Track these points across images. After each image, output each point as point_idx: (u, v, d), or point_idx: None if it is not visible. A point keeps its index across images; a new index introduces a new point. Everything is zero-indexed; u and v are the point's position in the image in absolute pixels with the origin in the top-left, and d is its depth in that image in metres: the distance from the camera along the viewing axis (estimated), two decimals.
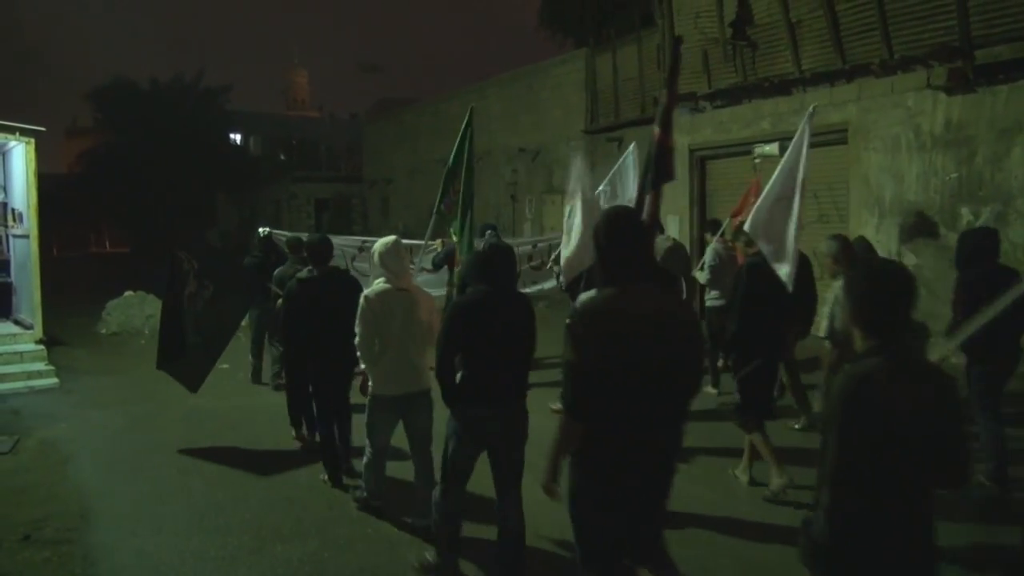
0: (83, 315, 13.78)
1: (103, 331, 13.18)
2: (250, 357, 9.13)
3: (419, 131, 23.46)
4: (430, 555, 4.20)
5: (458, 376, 3.78)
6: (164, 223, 29.71)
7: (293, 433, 6.55)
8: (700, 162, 12.48)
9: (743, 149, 11.56)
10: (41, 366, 9.29)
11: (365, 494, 5.04)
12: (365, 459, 4.93)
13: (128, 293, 14.17)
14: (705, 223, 10.35)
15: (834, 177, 10.22)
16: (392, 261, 4.57)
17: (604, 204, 7.33)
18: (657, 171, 5.24)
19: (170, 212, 30.29)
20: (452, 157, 6.66)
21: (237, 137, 44.21)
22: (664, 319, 2.84)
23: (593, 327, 2.77)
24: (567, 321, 2.84)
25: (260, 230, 9.40)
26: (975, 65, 8.28)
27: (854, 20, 9.58)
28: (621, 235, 2.91)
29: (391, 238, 4.71)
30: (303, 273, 5.59)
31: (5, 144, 10.50)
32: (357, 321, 4.55)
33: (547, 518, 4.36)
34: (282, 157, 45.50)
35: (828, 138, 10.26)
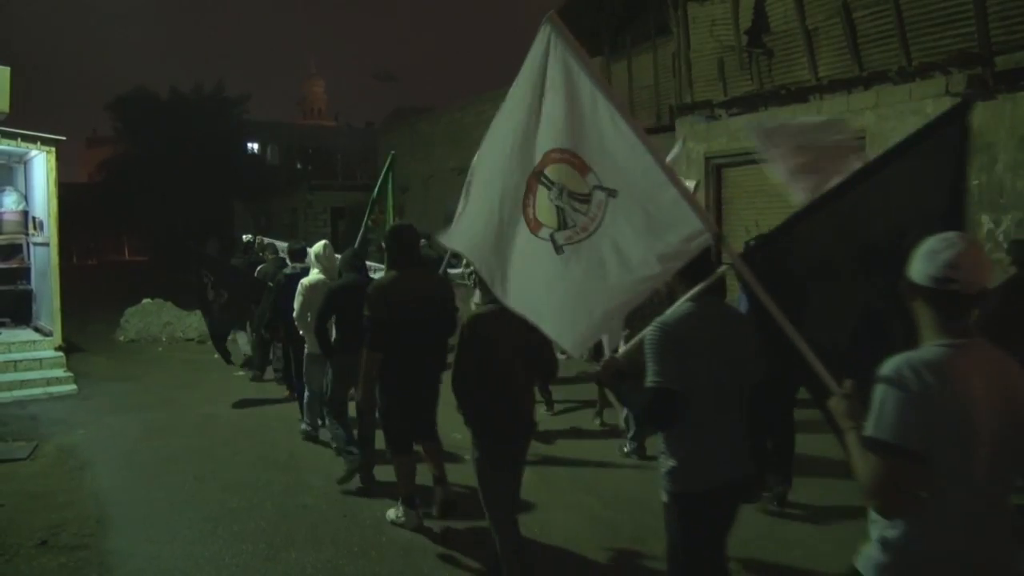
0: (101, 322, 13.93)
1: (121, 338, 13.30)
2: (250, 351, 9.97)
3: (434, 140, 23.54)
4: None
5: (333, 336, 5.58)
6: (182, 232, 29.95)
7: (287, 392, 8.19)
8: (716, 170, 12.42)
9: (759, 157, 11.49)
10: (60, 372, 9.37)
11: (308, 427, 6.81)
12: (305, 400, 6.76)
13: (146, 300, 14.30)
14: None
15: None
16: (324, 260, 6.38)
17: None
18: None
19: (188, 221, 30.55)
20: (376, 189, 8.65)
21: (254, 146, 44.62)
22: (426, 291, 4.67)
23: (382, 295, 4.54)
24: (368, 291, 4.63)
25: (244, 237, 10.70)
26: (995, 71, 8.19)
27: (871, 27, 9.51)
28: (403, 240, 4.72)
29: (324, 242, 6.58)
30: (289, 269, 7.33)
31: (27, 153, 10.63)
32: (296, 300, 6.35)
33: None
34: (299, 166, 45.83)
35: None
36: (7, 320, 10.98)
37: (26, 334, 10.36)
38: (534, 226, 2.99)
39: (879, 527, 2.02)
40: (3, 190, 11.38)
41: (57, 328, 9.87)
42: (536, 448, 5.38)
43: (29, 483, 5.85)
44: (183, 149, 32.17)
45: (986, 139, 8.44)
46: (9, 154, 10.85)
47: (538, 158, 2.94)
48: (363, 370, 4.64)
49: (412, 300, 4.50)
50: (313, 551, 4.59)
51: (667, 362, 2.72)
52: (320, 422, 6.74)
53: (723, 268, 2.90)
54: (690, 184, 10.34)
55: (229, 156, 35.22)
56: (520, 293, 3.07)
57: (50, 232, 10.07)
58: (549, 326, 3.00)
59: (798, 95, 10.68)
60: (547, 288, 2.97)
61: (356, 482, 5.61)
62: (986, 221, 8.44)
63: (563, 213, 2.89)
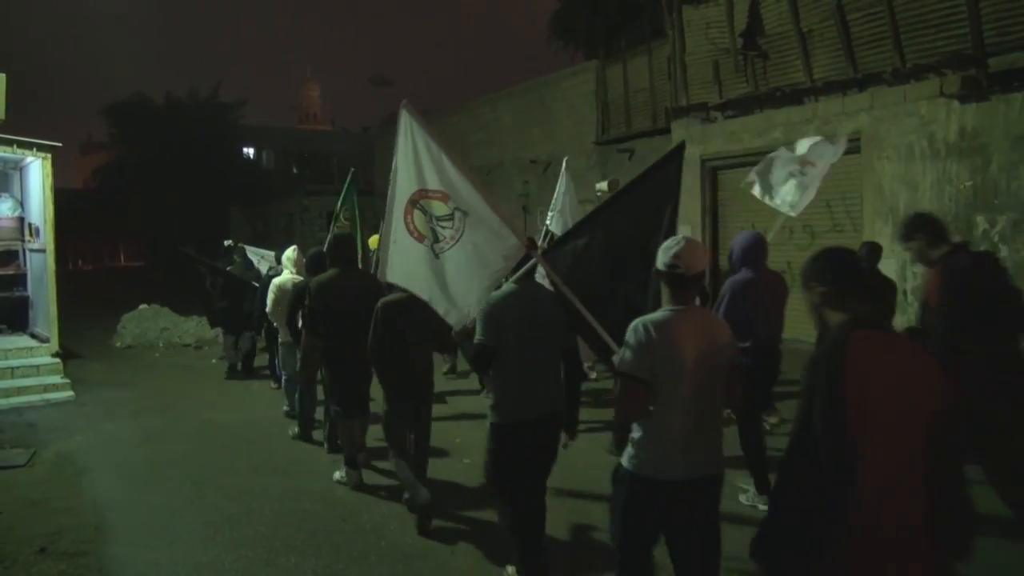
0: (98, 328, 13.90)
1: (118, 344, 13.28)
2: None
3: None
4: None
5: (300, 324, 6.29)
6: (178, 237, 29.94)
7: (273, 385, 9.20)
8: (712, 172, 12.46)
9: (755, 159, 11.51)
10: (57, 379, 9.35)
11: (288, 408, 7.71)
12: (284, 383, 7.86)
13: (143, 306, 14.27)
14: None
15: (847, 186, 10.17)
16: (293, 262, 7.51)
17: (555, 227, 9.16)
18: None
19: (184, 226, 30.51)
20: (340, 202, 9.72)
21: (250, 151, 44.55)
22: (359, 286, 5.59)
23: (320, 291, 5.59)
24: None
25: (225, 242, 11.61)
26: (988, 73, 8.24)
27: (865, 29, 9.56)
28: (341, 246, 5.84)
29: (293, 247, 7.68)
30: (272, 272, 8.57)
31: (22, 160, 10.62)
32: (268, 296, 7.54)
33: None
34: (294, 171, 45.77)
35: None
36: (4, 327, 10.97)
37: (23, 341, 10.34)
38: (418, 237, 4.35)
39: (633, 434, 2.99)
40: None
41: (54, 334, 9.86)
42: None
43: (27, 490, 5.83)
44: (178, 154, 32.11)
45: (980, 140, 8.48)
46: (5, 160, 10.84)
47: (414, 190, 4.34)
48: (303, 351, 6.02)
49: (347, 293, 5.40)
50: (312, 556, 4.59)
51: (486, 326, 3.81)
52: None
53: (532, 261, 4.02)
54: (603, 184, 10.55)
55: (225, 161, 35.16)
56: (414, 281, 4.42)
57: (46, 238, 10.06)
58: (438, 305, 4.32)
59: (793, 97, 10.72)
60: (432, 279, 4.34)
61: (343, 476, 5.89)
62: (981, 222, 8.48)
63: (435, 231, 4.30)
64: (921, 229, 4.34)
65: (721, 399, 3.02)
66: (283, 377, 7.92)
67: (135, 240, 43.95)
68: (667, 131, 13.26)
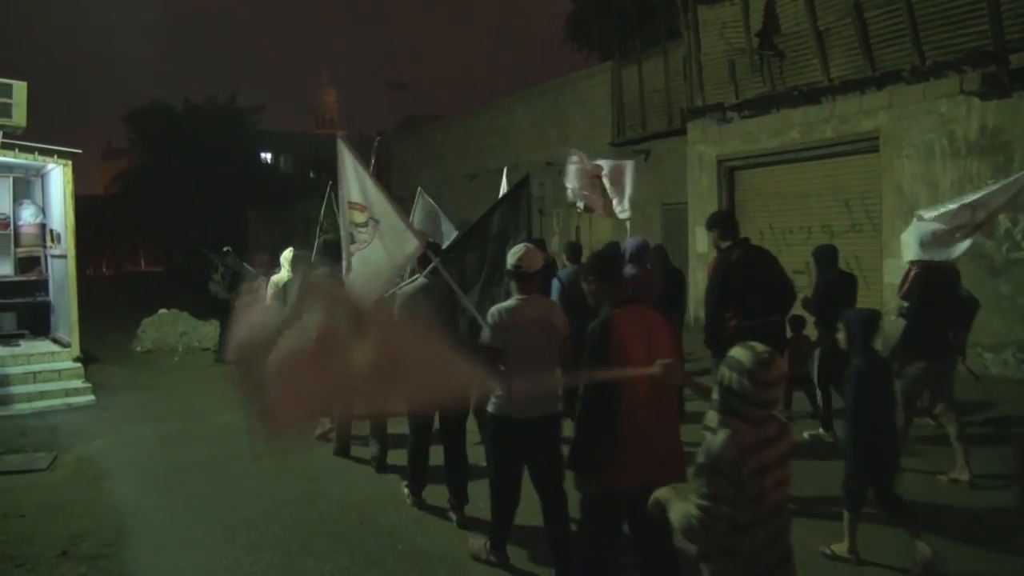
0: (118, 333, 14.02)
1: (138, 348, 13.39)
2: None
3: (446, 148, 23.58)
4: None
5: None
6: (196, 242, 30.21)
7: None
8: (729, 173, 12.38)
9: (772, 159, 11.45)
10: (78, 383, 9.44)
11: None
12: None
13: (162, 311, 14.39)
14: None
15: (866, 186, 10.08)
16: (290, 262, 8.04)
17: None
18: None
19: (202, 231, 30.80)
20: (322, 213, 10.45)
21: (268, 156, 44.89)
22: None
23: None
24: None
25: (224, 248, 12.24)
26: (1010, 69, 8.13)
27: (884, 26, 9.47)
28: (330, 249, 6.18)
29: (291, 248, 8.00)
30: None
31: (44, 167, 10.74)
32: (269, 293, 7.91)
33: None
34: (311, 175, 46.08)
35: (859, 146, 10.12)
36: (26, 332, 11.07)
37: (45, 345, 10.45)
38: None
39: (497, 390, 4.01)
40: (21, 203, 11.49)
41: (75, 339, 9.95)
42: None
43: (49, 493, 5.89)
44: (197, 160, 32.43)
45: (1002, 138, 8.37)
46: (27, 168, 10.96)
47: (345, 203, 5.39)
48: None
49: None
50: (330, 559, 4.60)
51: (402, 312, 4.95)
52: None
53: (436, 261, 5.02)
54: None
55: (243, 166, 35.47)
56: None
57: (67, 244, 10.15)
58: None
59: (810, 96, 10.64)
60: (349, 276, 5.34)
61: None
62: (1004, 221, 8.34)
63: (352, 235, 5.35)
64: (719, 223, 5.31)
65: (555, 362, 4.09)
66: None
67: (155, 245, 44.39)
68: (683, 132, 13.20)
